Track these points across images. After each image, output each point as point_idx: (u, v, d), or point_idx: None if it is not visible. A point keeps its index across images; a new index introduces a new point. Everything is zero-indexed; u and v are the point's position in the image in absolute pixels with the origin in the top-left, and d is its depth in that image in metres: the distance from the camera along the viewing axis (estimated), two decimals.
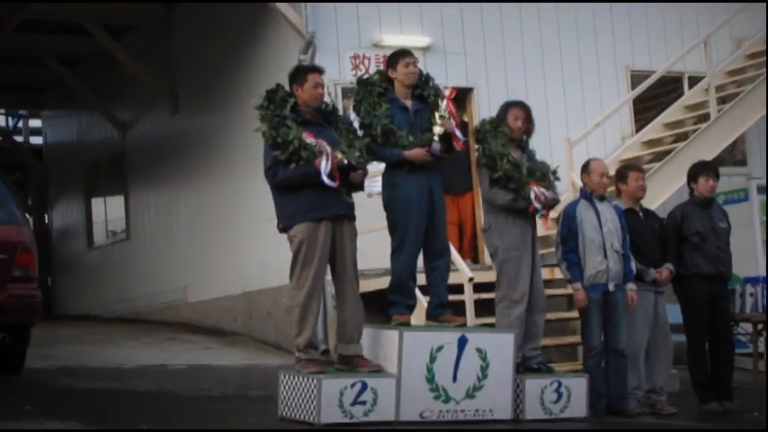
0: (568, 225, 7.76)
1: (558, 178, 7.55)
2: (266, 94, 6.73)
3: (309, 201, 6.59)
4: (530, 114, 7.60)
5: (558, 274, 8.62)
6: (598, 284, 7.69)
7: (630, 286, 7.81)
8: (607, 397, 7.68)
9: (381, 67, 7.49)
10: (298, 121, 6.64)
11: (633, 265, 7.89)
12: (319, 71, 6.89)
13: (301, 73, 6.87)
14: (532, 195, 7.22)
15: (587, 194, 7.88)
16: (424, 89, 7.24)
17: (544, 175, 7.41)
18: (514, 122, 7.47)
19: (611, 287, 7.70)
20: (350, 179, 6.66)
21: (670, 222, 8.32)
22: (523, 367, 7.28)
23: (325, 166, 6.50)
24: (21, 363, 8.48)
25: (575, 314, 8.54)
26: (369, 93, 7.11)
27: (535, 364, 7.39)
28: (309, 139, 6.56)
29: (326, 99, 6.92)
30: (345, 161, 6.56)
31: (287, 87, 6.84)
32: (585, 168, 7.96)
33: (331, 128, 6.83)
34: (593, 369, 7.63)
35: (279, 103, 6.69)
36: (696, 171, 8.46)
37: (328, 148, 6.55)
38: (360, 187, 6.84)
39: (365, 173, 6.77)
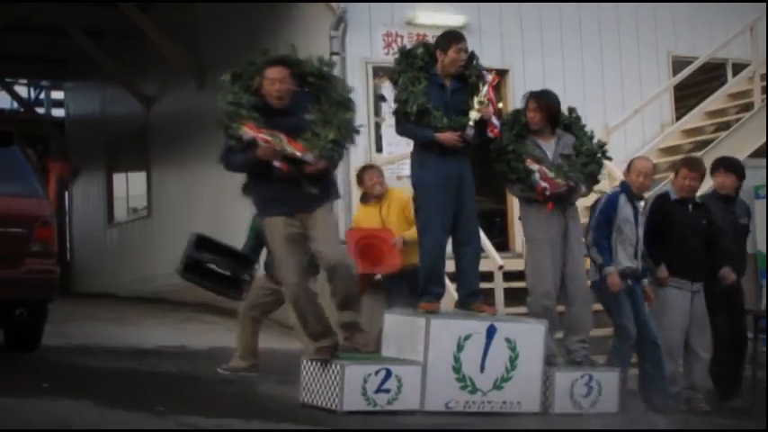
0: (607, 212, 7.51)
1: (608, 158, 7.31)
2: (231, 76, 6.39)
3: (267, 196, 6.46)
4: (548, 104, 7.23)
5: None
6: None
7: (645, 282, 7.63)
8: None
9: (428, 41, 7.26)
10: (259, 107, 6.31)
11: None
12: (280, 63, 6.39)
13: (261, 64, 6.43)
14: (537, 176, 6.98)
15: (628, 191, 7.60)
16: (466, 68, 6.98)
17: (586, 163, 7.20)
18: (529, 113, 7.20)
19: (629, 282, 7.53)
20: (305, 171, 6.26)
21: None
22: (567, 360, 7.12)
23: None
24: (38, 339, 8.37)
25: None
26: (410, 65, 6.89)
27: (578, 357, 7.18)
28: (248, 135, 6.19)
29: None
30: (298, 154, 6.19)
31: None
32: (629, 166, 7.72)
33: (303, 113, 6.36)
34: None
35: (244, 85, 6.37)
36: (715, 166, 8.18)
37: (272, 140, 6.14)
38: (326, 176, 6.41)
39: (324, 166, 6.31)
